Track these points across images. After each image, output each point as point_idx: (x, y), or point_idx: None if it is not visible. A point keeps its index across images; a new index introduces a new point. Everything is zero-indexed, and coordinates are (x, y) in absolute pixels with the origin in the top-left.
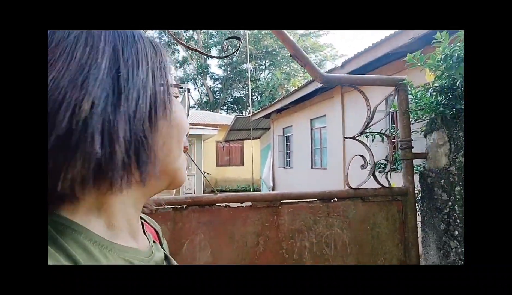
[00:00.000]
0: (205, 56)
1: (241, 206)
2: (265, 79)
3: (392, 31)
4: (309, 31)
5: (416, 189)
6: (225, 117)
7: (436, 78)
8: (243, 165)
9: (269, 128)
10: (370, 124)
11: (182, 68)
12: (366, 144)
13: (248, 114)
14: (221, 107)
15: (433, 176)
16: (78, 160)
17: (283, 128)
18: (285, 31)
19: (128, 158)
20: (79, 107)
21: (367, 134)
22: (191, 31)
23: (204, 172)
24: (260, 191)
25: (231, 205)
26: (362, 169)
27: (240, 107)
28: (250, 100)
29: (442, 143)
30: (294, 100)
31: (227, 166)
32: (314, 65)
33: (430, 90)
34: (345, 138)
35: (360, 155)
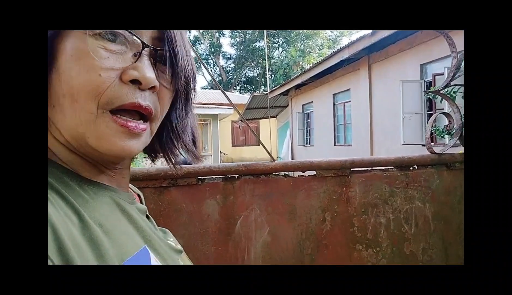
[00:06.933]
0: (217, 36)
1: (303, 176)
2: (279, 57)
3: None
4: None
5: None
6: (240, 97)
7: None
8: (259, 145)
9: (287, 106)
10: (457, 75)
11: (194, 47)
12: (453, 101)
13: (263, 92)
14: (234, 87)
15: None
16: None
17: (303, 105)
18: None
19: None
20: None
21: (452, 88)
22: None
23: (221, 152)
24: None
25: (291, 174)
26: (447, 129)
27: (253, 87)
28: (267, 77)
29: None
30: (314, 75)
31: (242, 145)
32: None
33: None
34: (426, 92)
35: (444, 113)
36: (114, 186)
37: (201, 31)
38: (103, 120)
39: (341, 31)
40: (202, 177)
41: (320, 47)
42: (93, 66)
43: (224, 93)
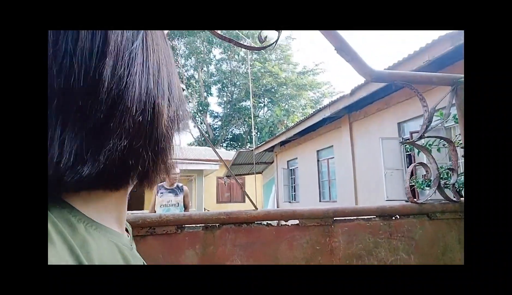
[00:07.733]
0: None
1: (285, 225)
2: (264, 116)
3: (400, 58)
4: (307, 69)
5: None
6: (227, 153)
7: None
8: (244, 201)
9: (272, 162)
10: (429, 127)
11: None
12: (429, 152)
13: (249, 149)
14: (221, 144)
15: None
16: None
17: (288, 161)
18: None
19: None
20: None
21: (427, 139)
22: (192, 71)
23: (204, 209)
24: None
25: (273, 223)
26: (425, 179)
27: (239, 143)
28: (253, 134)
29: None
30: (299, 132)
31: (227, 202)
32: (362, 60)
33: None
34: (403, 143)
35: (421, 163)
36: (116, 228)
37: (189, 90)
38: None
39: (323, 93)
40: (182, 225)
41: (304, 107)
42: None
43: (214, 149)
